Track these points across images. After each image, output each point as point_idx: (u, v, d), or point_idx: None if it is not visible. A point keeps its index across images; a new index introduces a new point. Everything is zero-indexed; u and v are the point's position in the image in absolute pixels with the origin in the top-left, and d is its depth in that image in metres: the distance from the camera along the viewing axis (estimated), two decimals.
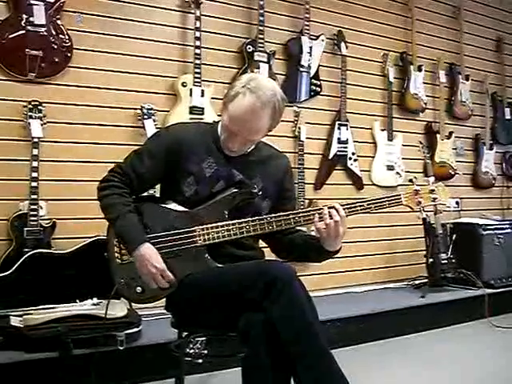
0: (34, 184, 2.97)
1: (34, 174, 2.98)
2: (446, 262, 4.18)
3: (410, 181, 2.19)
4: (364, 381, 2.74)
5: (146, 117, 3.37)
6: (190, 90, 3.51)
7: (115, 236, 2.09)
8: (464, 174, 5.05)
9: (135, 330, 2.82)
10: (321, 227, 2.01)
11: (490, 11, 5.37)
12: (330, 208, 2.02)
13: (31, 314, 2.68)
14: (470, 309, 4.10)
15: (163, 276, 2.00)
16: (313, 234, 2.12)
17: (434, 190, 2.15)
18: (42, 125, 3.06)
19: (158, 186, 2.27)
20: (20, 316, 2.66)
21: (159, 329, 2.92)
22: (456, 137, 4.96)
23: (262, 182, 2.17)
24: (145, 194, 2.27)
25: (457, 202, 4.95)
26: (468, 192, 5.14)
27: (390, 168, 4.53)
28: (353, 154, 4.32)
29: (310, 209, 2.07)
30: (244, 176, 2.13)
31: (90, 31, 3.36)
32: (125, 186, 2.09)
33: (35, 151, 3.00)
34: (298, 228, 2.19)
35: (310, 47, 4.10)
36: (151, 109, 3.41)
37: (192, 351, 2.14)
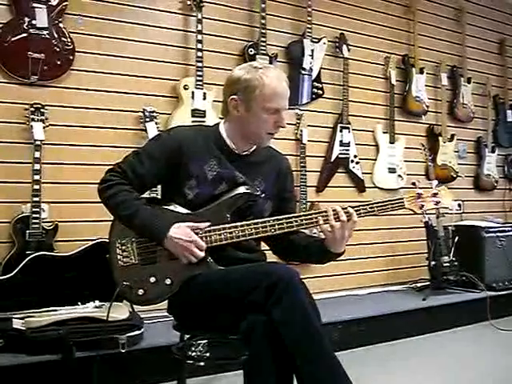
0: (36, 187, 2.97)
1: (36, 177, 2.98)
2: (447, 264, 4.17)
3: (413, 184, 2.17)
4: (366, 382, 2.74)
5: (147, 119, 3.38)
6: (192, 92, 3.51)
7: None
8: (466, 176, 5.05)
9: (137, 332, 2.82)
10: (326, 229, 2.01)
11: (493, 14, 5.37)
12: (334, 210, 2.01)
13: (33, 316, 2.68)
14: (472, 311, 4.09)
15: (197, 247, 1.98)
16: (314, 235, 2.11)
17: (436, 194, 2.14)
18: (44, 127, 3.06)
19: (159, 188, 2.27)
20: (22, 318, 2.66)
21: (161, 331, 2.93)
22: (458, 139, 4.97)
23: (264, 183, 2.17)
24: (145, 195, 2.27)
25: (459, 205, 4.94)
26: (470, 194, 5.14)
27: (392, 171, 4.53)
28: (355, 156, 4.32)
29: (312, 212, 2.06)
30: (246, 177, 2.13)
31: (92, 34, 3.37)
32: (128, 183, 2.07)
33: (37, 154, 3.01)
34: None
35: (312, 50, 4.10)
36: (153, 111, 3.41)
37: (194, 354, 2.14)
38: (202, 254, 1.99)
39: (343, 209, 2.02)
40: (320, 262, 2.24)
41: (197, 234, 1.99)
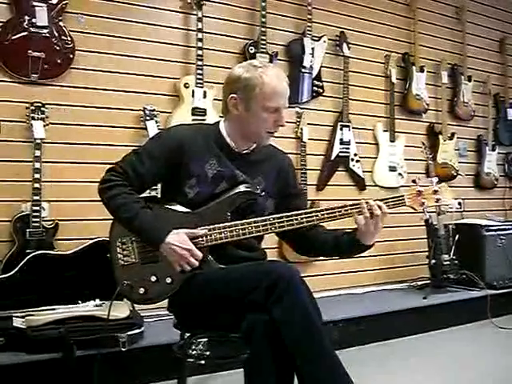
0: (36, 185, 2.98)
1: (37, 176, 2.99)
2: (448, 263, 4.17)
3: (413, 181, 2.17)
4: (366, 382, 2.74)
5: (148, 118, 3.37)
6: (193, 91, 3.51)
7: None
8: (466, 174, 5.05)
9: (137, 331, 2.83)
10: (360, 222, 2.01)
11: (493, 12, 5.36)
12: (366, 203, 2.02)
13: (33, 315, 2.68)
14: (473, 310, 4.09)
15: (193, 255, 1.97)
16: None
17: (437, 191, 2.14)
18: (44, 126, 3.06)
19: (159, 186, 2.26)
20: (22, 317, 2.66)
21: (162, 330, 2.92)
22: (458, 138, 4.96)
23: (264, 181, 2.17)
24: (145, 194, 2.27)
25: (459, 203, 4.93)
26: (470, 193, 5.13)
27: (393, 169, 4.53)
28: (355, 154, 4.32)
29: (313, 209, 2.06)
30: (247, 176, 2.13)
31: (92, 33, 3.36)
32: (128, 184, 2.07)
33: (38, 152, 3.01)
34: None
35: (312, 48, 4.10)
36: (153, 110, 3.41)
37: (194, 352, 2.13)
38: (197, 263, 1.98)
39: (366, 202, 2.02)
40: (348, 256, 2.26)
41: (196, 243, 1.99)
